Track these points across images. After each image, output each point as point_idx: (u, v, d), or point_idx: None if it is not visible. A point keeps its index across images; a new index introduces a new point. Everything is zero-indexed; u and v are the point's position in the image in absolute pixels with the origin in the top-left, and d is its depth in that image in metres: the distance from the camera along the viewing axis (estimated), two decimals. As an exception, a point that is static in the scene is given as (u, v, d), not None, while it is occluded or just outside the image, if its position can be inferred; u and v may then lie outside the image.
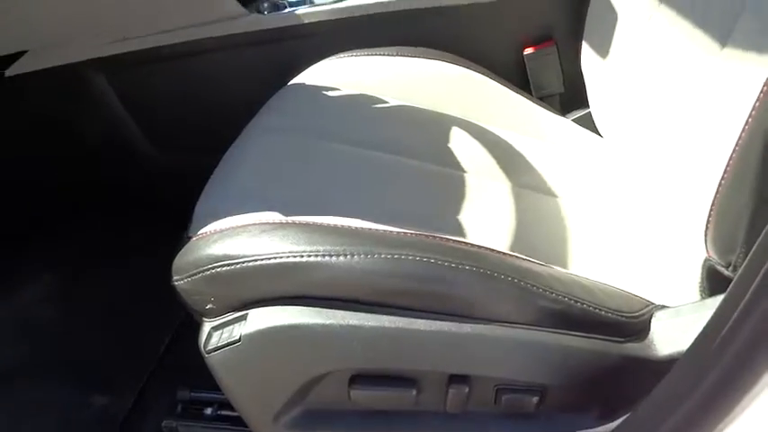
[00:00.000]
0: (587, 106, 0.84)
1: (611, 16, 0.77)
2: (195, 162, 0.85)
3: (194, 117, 0.92)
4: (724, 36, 0.58)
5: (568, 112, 0.88)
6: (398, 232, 0.48)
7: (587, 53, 0.82)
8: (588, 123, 0.84)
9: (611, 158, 0.78)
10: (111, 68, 0.92)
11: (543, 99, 0.88)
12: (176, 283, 0.49)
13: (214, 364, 0.47)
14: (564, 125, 0.84)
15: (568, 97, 0.89)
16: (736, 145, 0.46)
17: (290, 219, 0.49)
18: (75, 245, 0.96)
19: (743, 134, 0.46)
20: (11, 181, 0.99)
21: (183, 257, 0.50)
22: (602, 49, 0.78)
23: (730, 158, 0.46)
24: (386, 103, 0.79)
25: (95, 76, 0.93)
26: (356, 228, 0.48)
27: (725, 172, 0.46)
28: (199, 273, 0.48)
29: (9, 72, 0.91)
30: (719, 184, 0.46)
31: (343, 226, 0.48)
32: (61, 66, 0.92)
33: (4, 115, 0.95)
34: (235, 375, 0.47)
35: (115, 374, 0.78)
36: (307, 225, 0.48)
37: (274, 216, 0.49)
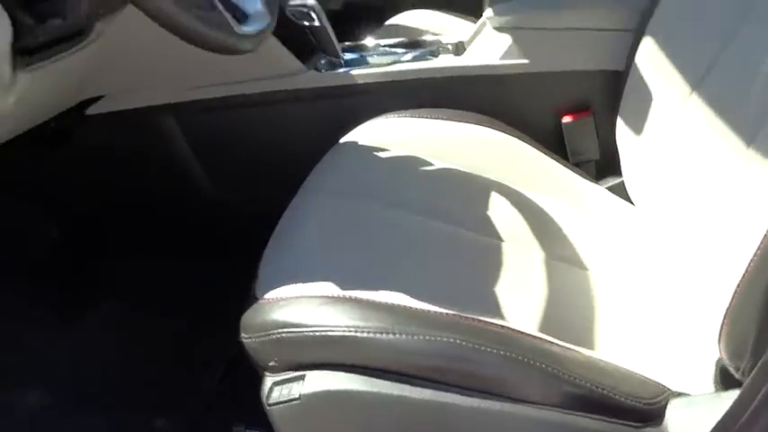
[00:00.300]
0: (621, 174, 0.89)
1: (646, 95, 0.82)
2: (255, 203, 0.93)
3: (256, 162, 1.00)
4: (750, 137, 0.63)
5: (602, 178, 0.93)
6: (439, 312, 0.55)
7: (622, 126, 0.87)
8: (621, 191, 0.89)
9: (643, 229, 0.82)
10: (180, 113, 1.01)
11: (579, 165, 0.93)
12: (244, 341, 0.57)
13: (274, 416, 0.54)
14: (598, 193, 0.89)
15: (603, 164, 0.94)
16: (755, 254, 0.50)
17: (347, 293, 0.56)
18: (136, 277, 1.05)
19: (762, 244, 0.50)
20: (79, 211, 1.09)
21: (252, 318, 0.57)
22: (637, 124, 0.84)
23: (748, 266, 0.51)
24: (430, 165, 0.86)
25: (166, 119, 1.02)
26: (402, 306, 0.55)
27: (741, 278, 0.51)
28: (265, 335, 0.55)
29: (89, 111, 1.01)
30: (736, 289, 0.51)
31: (391, 303, 0.55)
32: (135, 108, 1.01)
33: (82, 149, 1.04)
34: (291, 428, 0.54)
35: (171, 405, 0.86)
36: (360, 301, 0.55)
37: (332, 289, 0.56)
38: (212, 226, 1.05)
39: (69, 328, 1.02)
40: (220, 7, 0.61)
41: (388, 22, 1.45)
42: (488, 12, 0.91)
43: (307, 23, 0.95)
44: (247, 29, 0.65)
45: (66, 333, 1.01)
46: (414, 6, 1.49)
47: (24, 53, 0.65)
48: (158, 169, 1.05)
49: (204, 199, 1.03)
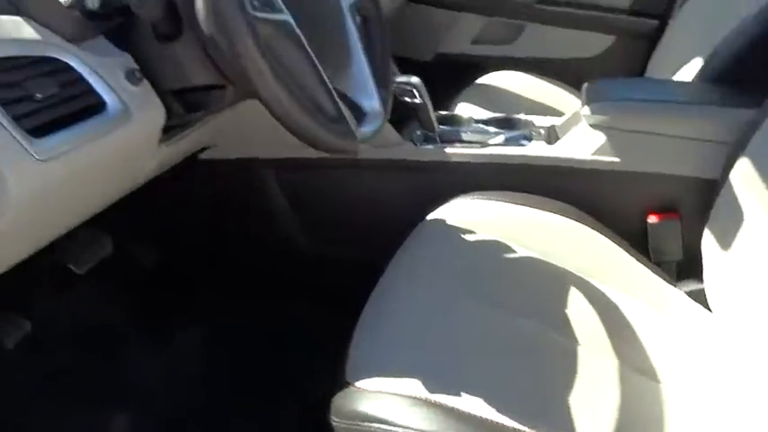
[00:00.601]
0: (702, 280, 0.90)
1: (737, 211, 0.82)
2: (344, 258, 1.00)
3: (348, 221, 1.07)
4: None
5: (682, 280, 0.94)
6: (513, 428, 0.60)
7: (709, 236, 0.87)
8: (700, 297, 0.89)
9: (720, 341, 0.83)
10: (281, 167, 1.09)
11: (660, 264, 0.94)
12: (334, 423, 0.63)
13: None
14: (676, 296, 0.90)
15: (685, 266, 0.95)
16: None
17: (432, 397, 0.61)
18: (228, 310, 1.14)
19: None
20: (179, 245, 1.19)
21: (343, 403, 0.63)
22: (726, 237, 0.84)
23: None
24: (513, 252, 0.89)
25: (267, 172, 1.10)
26: (480, 417, 0.60)
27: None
28: (355, 424, 0.61)
29: (201, 156, 1.11)
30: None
31: (471, 414, 0.60)
32: (240, 158, 1.10)
33: (189, 189, 1.15)
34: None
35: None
36: (443, 407, 0.60)
37: (419, 390, 0.62)
38: (303, 274, 1.12)
39: (159, 351, 1.12)
40: (346, 114, 0.67)
41: (478, 81, 1.50)
42: (585, 109, 0.94)
43: (408, 99, 1.01)
44: (366, 130, 0.71)
45: (157, 356, 1.12)
46: (505, 67, 1.53)
47: (168, 131, 0.75)
48: (256, 216, 1.13)
49: (296, 248, 1.11)
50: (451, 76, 1.48)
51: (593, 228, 0.92)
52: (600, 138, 0.94)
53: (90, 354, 1.06)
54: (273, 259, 1.15)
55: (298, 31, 0.63)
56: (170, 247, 1.20)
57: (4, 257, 0.62)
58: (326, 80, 0.65)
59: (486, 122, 1.09)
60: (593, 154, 0.94)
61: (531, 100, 1.41)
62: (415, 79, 1.00)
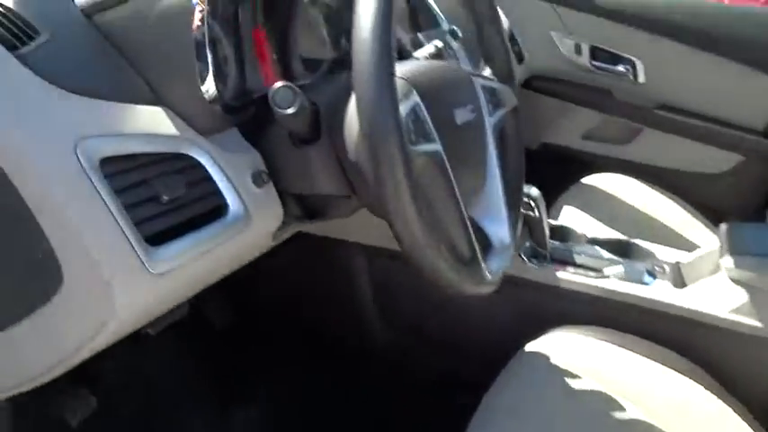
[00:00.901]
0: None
1: None
2: (419, 358, 0.91)
3: (434, 326, 1.00)
4: None
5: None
6: None
7: None
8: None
9: None
10: (373, 254, 1.03)
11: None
12: None
13: None
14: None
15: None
16: None
17: None
18: (300, 375, 1.08)
19: None
20: (252, 306, 1.15)
21: None
22: None
23: None
24: (623, 410, 0.79)
25: (356, 256, 1.04)
26: None
27: None
28: None
29: (304, 229, 1.06)
30: None
31: None
32: (332, 237, 1.05)
33: (277, 258, 1.10)
34: None
35: None
36: None
37: None
38: (377, 356, 1.05)
39: (228, 416, 1.07)
40: (480, 258, 0.60)
41: (584, 180, 1.40)
42: (727, 260, 0.83)
43: (523, 211, 0.93)
44: (494, 267, 0.64)
45: (225, 421, 1.06)
46: (614, 169, 1.43)
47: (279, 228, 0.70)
48: (337, 295, 1.08)
49: (370, 336, 1.05)
50: (556, 170, 1.39)
51: (714, 393, 0.81)
52: (741, 295, 0.83)
53: (156, 421, 1.01)
54: (349, 336, 1.08)
55: (446, 160, 0.57)
56: (244, 309, 1.15)
57: (94, 348, 0.57)
58: (466, 218, 0.58)
59: (601, 244, 0.99)
60: (731, 312, 0.83)
61: (642, 213, 1.30)
62: (534, 191, 0.92)
